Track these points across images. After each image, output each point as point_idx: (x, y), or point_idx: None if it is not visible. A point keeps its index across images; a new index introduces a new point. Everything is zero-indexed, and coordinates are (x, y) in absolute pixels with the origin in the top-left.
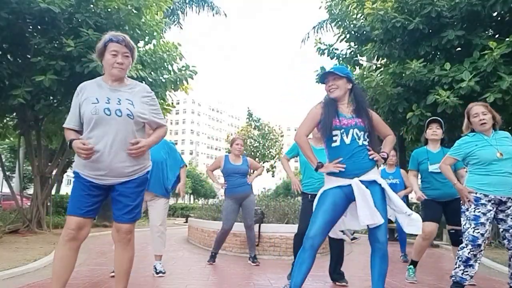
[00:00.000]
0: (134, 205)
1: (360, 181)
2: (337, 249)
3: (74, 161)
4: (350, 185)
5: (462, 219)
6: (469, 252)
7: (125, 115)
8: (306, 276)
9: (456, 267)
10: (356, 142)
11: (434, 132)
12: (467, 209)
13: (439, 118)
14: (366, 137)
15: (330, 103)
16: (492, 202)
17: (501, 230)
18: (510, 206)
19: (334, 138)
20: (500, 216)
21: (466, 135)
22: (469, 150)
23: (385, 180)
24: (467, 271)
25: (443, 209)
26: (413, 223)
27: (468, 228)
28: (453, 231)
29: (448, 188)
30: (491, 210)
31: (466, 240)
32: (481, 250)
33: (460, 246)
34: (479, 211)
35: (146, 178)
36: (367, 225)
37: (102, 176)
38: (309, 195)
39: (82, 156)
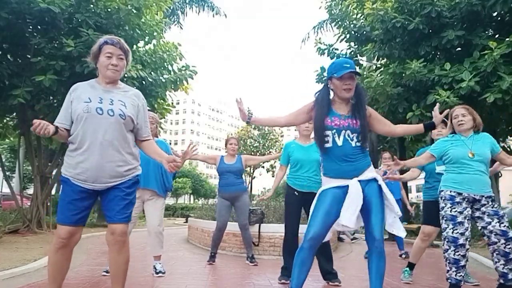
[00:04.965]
0: (125, 204)
1: (359, 181)
2: (323, 247)
3: None
4: (348, 185)
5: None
6: (454, 254)
7: (117, 115)
8: (306, 277)
9: (449, 269)
10: (349, 143)
11: (440, 132)
12: (442, 208)
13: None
14: (359, 139)
15: (324, 100)
16: (466, 200)
17: (479, 227)
18: (484, 204)
19: (326, 139)
20: (477, 214)
21: (448, 135)
22: (445, 148)
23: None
24: (459, 272)
25: None
26: (396, 226)
27: (446, 228)
28: None
29: None
30: (467, 207)
31: (447, 242)
32: (467, 249)
33: (444, 248)
34: (456, 210)
35: (137, 180)
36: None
37: (91, 178)
38: (295, 191)
39: (34, 129)
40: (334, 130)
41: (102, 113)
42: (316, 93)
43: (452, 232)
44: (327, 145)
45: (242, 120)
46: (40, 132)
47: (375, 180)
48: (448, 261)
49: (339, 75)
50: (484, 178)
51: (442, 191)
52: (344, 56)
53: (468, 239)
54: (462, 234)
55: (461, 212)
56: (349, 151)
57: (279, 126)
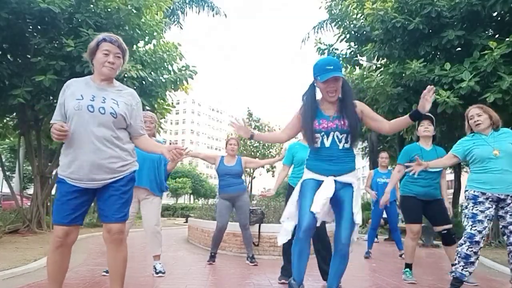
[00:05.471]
0: (122, 202)
1: (336, 181)
2: (323, 247)
3: None
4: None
5: (463, 217)
6: (467, 249)
7: (108, 113)
8: (306, 268)
9: (456, 263)
10: (337, 145)
11: (426, 128)
12: (466, 207)
13: (430, 115)
14: (347, 139)
15: (310, 102)
16: (490, 200)
17: (500, 226)
18: (509, 203)
19: (315, 140)
20: (500, 213)
21: (467, 135)
22: (468, 148)
23: (379, 179)
24: (466, 268)
25: (424, 210)
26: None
27: (466, 225)
28: (445, 231)
29: (432, 190)
30: (490, 207)
31: (464, 237)
32: (480, 247)
33: (459, 242)
34: (477, 209)
35: (133, 177)
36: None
37: (85, 176)
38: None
39: (53, 136)
40: (323, 133)
41: (93, 111)
42: (303, 95)
43: (471, 228)
44: (316, 146)
45: (245, 137)
46: (60, 138)
47: (351, 185)
48: (458, 255)
49: (322, 80)
50: (510, 176)
51: (467, 190)
52: (344, 56)
53: (484, 238)
54: (480, 232)
55: (482, 211)
56: (334, 153)
57: (280, 142)
